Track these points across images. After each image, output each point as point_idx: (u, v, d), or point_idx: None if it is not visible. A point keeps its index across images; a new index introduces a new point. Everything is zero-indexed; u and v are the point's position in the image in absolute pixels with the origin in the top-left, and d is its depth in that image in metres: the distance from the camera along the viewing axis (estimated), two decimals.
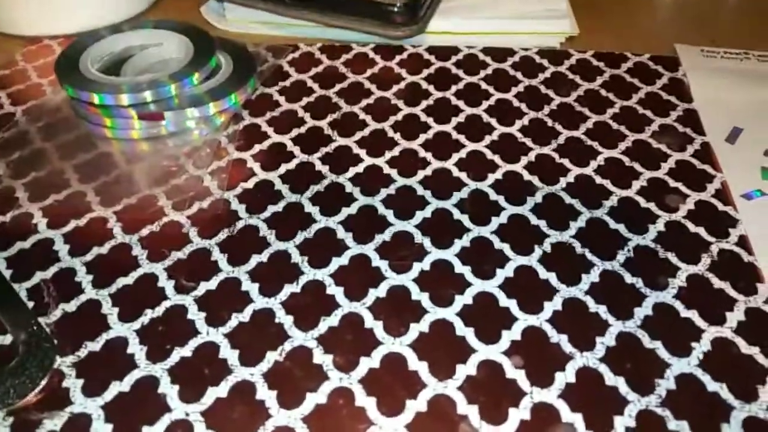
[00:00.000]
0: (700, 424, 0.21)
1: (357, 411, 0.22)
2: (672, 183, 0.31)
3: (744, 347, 0.24)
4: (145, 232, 0.28)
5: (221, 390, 0.22)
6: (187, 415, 0.22)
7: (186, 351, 0.24)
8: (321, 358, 0.23)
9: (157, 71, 0.35)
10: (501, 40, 0.42)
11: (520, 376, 0.23)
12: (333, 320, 0.25)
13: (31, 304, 0.25)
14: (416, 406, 0.22)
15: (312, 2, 0.40)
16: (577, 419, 0.22)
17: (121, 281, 0.26)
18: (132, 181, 0.31)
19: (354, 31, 0.41)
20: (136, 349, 0.24)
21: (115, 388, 0.22)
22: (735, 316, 0.25)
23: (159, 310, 0.25)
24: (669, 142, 0.33)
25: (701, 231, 0.28)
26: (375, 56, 0.40)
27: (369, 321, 0.25)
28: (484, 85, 0.38)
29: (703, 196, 0.30)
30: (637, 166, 0.32)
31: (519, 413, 0.22)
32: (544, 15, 0.42)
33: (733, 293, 0.26)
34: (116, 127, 0.34)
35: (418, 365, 0.23)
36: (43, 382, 0.22)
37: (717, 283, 0.26)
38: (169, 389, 0.22)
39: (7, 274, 0.27)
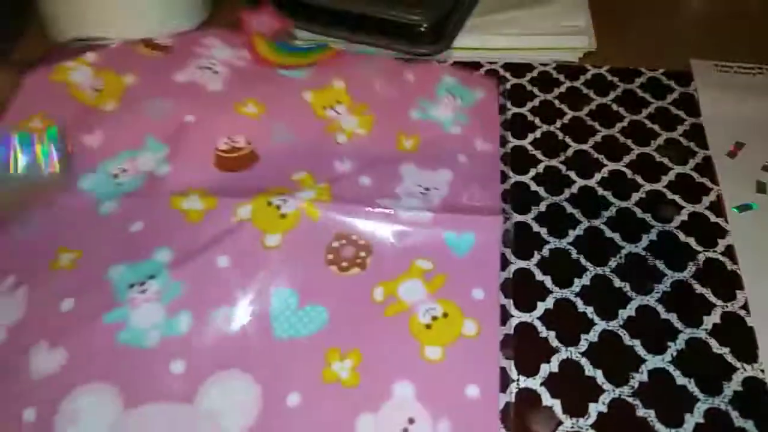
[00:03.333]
0: (666, 413, 0.24)
1: None
2: (669, 195, 0.33)
3: (716, 347, 0.26)
4: None
5: None
6: None
7: None
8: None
9: None
10: (522, 55, 0.44)
11: (509, 365, 0.26)
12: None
13: None
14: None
15: (344, 22, 0.43)
16: (556, 404, 0.25)
17: None
18: None
19: (380, 48, 0.44)
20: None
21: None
22: (711, 320, 0.27)
23: None
24: (672, 156, 0.35)
25: (691, 241, 0.31)
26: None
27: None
28: (500, 100, 0.40)
29: (697, 207, 0.32)
30: (639, 179, 0.34)
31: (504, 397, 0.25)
32: (564, 31, 0.45)
33: (712, 298, 0.28)
34: None
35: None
36: None
37: (699, 288, 0.29)
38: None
39: None
